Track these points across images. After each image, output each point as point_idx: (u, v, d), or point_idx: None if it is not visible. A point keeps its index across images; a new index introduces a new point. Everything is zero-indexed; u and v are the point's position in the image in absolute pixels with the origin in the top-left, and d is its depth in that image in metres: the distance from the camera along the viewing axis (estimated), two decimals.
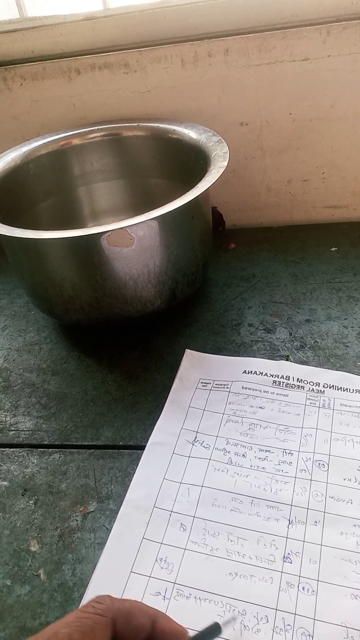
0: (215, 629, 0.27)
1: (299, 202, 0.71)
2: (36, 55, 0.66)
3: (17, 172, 0.60)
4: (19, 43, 0.66)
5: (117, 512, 0.40)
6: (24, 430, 0.49)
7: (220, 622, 0.28)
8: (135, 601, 0.27)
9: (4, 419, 0.50)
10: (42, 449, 0.47)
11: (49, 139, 0.63)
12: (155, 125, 0.63)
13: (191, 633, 0.28)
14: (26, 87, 0.66)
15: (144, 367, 0.53)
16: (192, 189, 0.48)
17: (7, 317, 0.63)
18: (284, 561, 0.36)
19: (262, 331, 0.55)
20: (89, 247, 0.47)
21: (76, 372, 0.54)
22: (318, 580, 0.34)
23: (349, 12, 0.59)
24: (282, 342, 0.53)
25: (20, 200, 0.60)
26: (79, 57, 0.64)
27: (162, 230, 0.49)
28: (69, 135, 0.64)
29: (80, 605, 0.32)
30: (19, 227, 0.47)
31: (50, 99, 0.67)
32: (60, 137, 0.63)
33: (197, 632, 0.29)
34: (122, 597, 0.33)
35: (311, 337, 0.53)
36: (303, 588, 0.34)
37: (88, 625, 0.24)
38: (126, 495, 0.41)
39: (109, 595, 0.26)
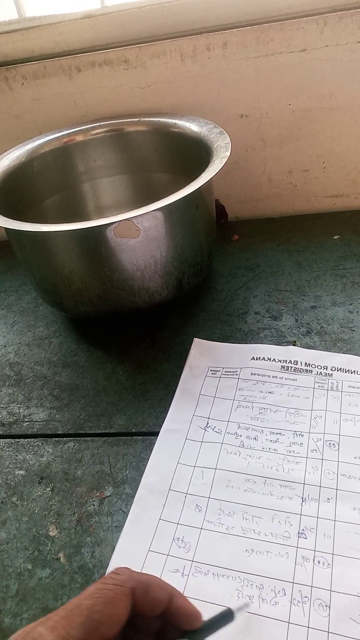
0: (228, 615, 0.27)
1: (300, 192, 0.72)
2: (36, 54, 0.67)
3: (22, 169, 0.60)
4: (19, 43, 0.67)
5: (132, 496, 0.41)
6: (37, 421, 0.50)
7: (233, 609, 0.27)
8: (154, 576, 0.27)
9: (17, 410, 0.51)
10: (56, 439, 0.48)
11: (53, 136, 0.64)
12: (157, 119, 0.63)
13: (209, 608, 0.28)
14: (27, 86, 0.67)
15: (153, 357, 0.54)
16: (196, 179, 0.48)
17: (16, 313, 0.64)
18: (299, 537, 0.36)
19: (269, 319, 0.56)
20: (96, 239, 0.48)
21: (86, 363, 0.55)
22: (333, 554, 0.35)
23: (344, 2, 0.59)
24: (288, 328, 0.54)
25: (25, 197, 0.61)
26: (78, 55, 0.65)
27: (167, 220, 0.49)
28: (72, 132, 0.65)
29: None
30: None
31: (52, 97, 0.67)
32: (64, 134, 0.64)
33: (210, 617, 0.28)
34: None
35: (317, 323, 0.54)
36: (318, 562, 0.35)
37: (109, 597, 0.24)
38: (142, 479, 0.42)
39: (128, 567, 0.27)
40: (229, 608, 0.27)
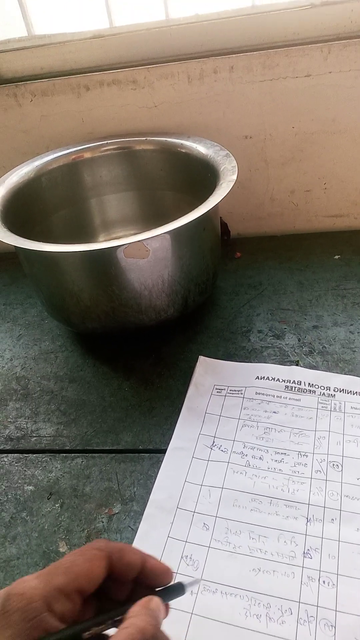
0: (179, 588, 0.30)
1: (301, 211, 0.73)
2: (45, 72, 0.68)
3: (30, 185, 0.61)
4: (29, 60, 0.68)
5: (140, 514, 0.42)
6: (45, 436, 0.50)
7: (184, 584, 0.30)
8: (127, 544, 0.31)
9: (25, 425, 0.52)
10: (64, 454, 0.49)
11: (61, 153, 0.65)
12: (164, 139, 0.65)
13: (218, 627, 0.30)
14: (36, 102, 0.68)
15: (159, 374, 0.55)
16: (204, 203, 0.50)
17: (22, 326, 0.65)
18: (304, 557, 0.38)
19: (272, 337, 0.57)
20: (106, 259, 0.49)
21: (93, 379, 0.56)
22: (338, 574, 0.36)
23: (348, 30, 0.61)
24: (291, 347, 0.55)
25: (33, 212, 0.62)
26: (88, 74, 0.66)
27: (175, 242, 0.51)
28: (81, 149, 0.66)
29: None
30: (33, 238, 0.49)
31: (60, 114, 0.69)
32: (72, 151, 0.65)
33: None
34: None
35: (319, 343, 0.55)
36: (324, 582, 0.36)
37: (87, 555, 0.28)
38: (150, 497, 0.43)
39: (104, 539, 0.31)
40: (181, 582, 0.30)
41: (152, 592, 0.28)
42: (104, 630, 0.26)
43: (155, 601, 0.27)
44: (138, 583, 0.29)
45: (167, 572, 0.30)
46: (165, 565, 0.30)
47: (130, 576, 0.29)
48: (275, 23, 0.62)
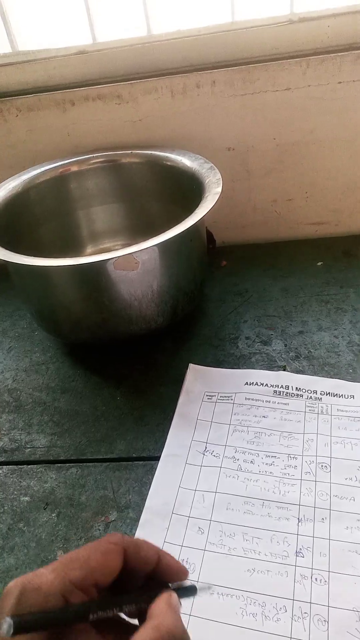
0: (192, 589, 0.30)
1: (284, 219, 0.75)
2: (31, 87, 0.69)
3: (18, 198, 0.62)
4: (14, 76, 0.69)
5: (136, 520, 0.43)
6: (39, 447, 0.51)
7: (197, 587, 0.31)
8: (144, 539, 0.30)
9: (19, 437, 0.52)
10: (59, 464, 0.49)
11: (48, 166, 0.66)
12: (149, 152, 0.66)
13: (215, 627, 0.31)
14: (22, 117, 0.69)
15: (150, 382, 0.56)
16: (191, 215, 0.51)
17: (12, 338, 0.66)
18: (296, 556, 0.39)
19: (259, 343, 0.59)
20: (96, 272, 0.50)
21: (84, 389, 0.57)
22: (329, 571, 0.38)
23: (325, 45, 0.64)
24: (278, 353, 0.57)
25: (22, 225, 0.63)
26: (73, 90, 0.67)
27: (164, 253, 0.52)
28: (67, 162, 0.67)
29: None
30: (22, 250, 0.50)
31: (45, 128, 0.70)
32: (59, 165, 0.66)
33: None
34: None
35: (305, 348, 0.57)
36: (316, 579, 0.37)
37: (103, 549, 0.27)
38: (145, 503, 0.44)
39: (120, 532, 0.30)
40: (194, 584, 0.30)
41: (166, 588, 0.28)
42: (109, 616, 0.26)
43: (174, 597, 0.27)
44: (151, 578, 0.29)
45: (182, 571, 0.30)
46: (181, 564, 0.30)
47: (145, 571, 0.29)
48: (254, 39, 0.64)
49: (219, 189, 0.54)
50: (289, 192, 0.73)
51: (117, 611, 0.27)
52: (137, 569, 0.28)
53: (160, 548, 0.30)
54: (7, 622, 0.22)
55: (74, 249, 0.71)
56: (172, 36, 0.66)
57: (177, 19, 0.66)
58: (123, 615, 0.28)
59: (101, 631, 0.26)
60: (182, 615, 0.35)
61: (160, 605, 0.27)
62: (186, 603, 0.37)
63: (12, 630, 0.22)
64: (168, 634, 0.25)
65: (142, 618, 0.27)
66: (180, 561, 0.39)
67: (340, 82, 0.63)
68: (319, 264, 0.70)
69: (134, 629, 0.25)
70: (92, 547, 0.28)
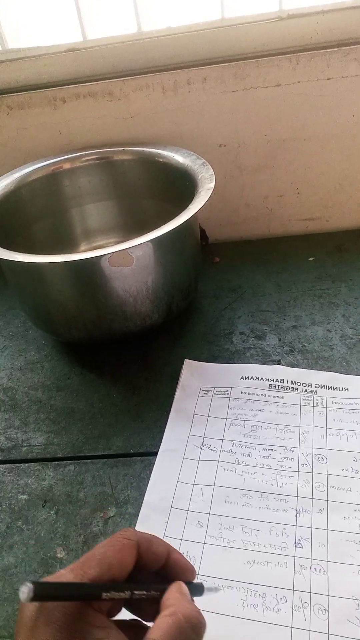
0: (200, 588, 0.31)
1: (275, 216, 0.76)
2: (21, 85, 0.69)
3: (11, 197, 0.62)
4: (4, 74, 0.68)
5: (135, 516, 0.43)
6: (36, 445, 0.51)
7: (205, 586, 0.32)
8: (155, 535, 0.31)
9: (15, 435, 0.52)
10: (56, 462, 0.49)
11: (40, 164, 0.66)
12: (141, 149, 0.66)
13: (217, 618, 0.31)
14: (13, 115, 0.69)
15: (145, 378, 0.56)
16: (185, 211, 0.51)
17: (6, 337, 0.65)
18: (295, 547, 0.39)
19: (253, 338, 0.59)
20: (91, 269, 0.50)
21: (80, 387, 0.57)
22: (328, 561, 0.38)
23: (314, 41, 0.64)
24: (272, 347, 0.57)
25: (15, 223, 0.63)
26: (64, 87, 0.67)
27: (158, 249, 0.52)
28: (60, 160, 0.67)
29: None
30: (15, 248, 0.50)
31: (37, 126, 0.69)
32: (51, 162, 0.66)
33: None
34: None
35: (299, 342, 0.57)
36: (315, 569, 0.38)
37: (118, 546, 0.28)
38: (144, 499, 0.44)
39: (132, 528, 0.31)
40: (202, 583, 0.31)
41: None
42: (122, 597, 0.27)
43: (184, 586, 0.28)
44: (160, 575, 0.30)
45: (190, 570, 0.31)
46: (190, 563, 0.31)
47: (156, 566, 0.30)
48: (244, 35, 0.64)
49: (212, 185, 0.54)
50: (281, 189, 0.73)
51: (130, 595, 0.27)
52: (149, 564, 0.29)
53: (170, 544, 0.30)
54: (28, 587, 0.23)
55: (68, 247, 0.71)
56: (162, 33, 0.66)
57: (167, 16, 0.66)
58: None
59: (120, 627, 0.27)
60: None
61: (172, 595, 0.28)
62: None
63: (32, 594, 0.23)
64: (185, 617, 0.26)
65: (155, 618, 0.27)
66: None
67: (329, 79, 0.63)
68: (311, 259, 0.70)
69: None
70: (107, 544, 0.28)
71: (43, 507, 0.46)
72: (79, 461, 0.49)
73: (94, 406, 0.54)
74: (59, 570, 0.27)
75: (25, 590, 0.23)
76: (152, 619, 0.28)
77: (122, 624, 0.28)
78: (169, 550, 0.30)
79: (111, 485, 0.46)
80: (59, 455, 0.50)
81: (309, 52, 0.63)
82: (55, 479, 0.48)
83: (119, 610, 0.29)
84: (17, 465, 0.50)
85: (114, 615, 0.29)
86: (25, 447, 0.51)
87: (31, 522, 0.44)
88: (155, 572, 0.30)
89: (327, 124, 0.67)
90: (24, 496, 0.47)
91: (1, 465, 0.50)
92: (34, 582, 0.23)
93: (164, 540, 0.31)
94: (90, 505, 0.45)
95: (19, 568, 0.41)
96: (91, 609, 0.26)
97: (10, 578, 0.41)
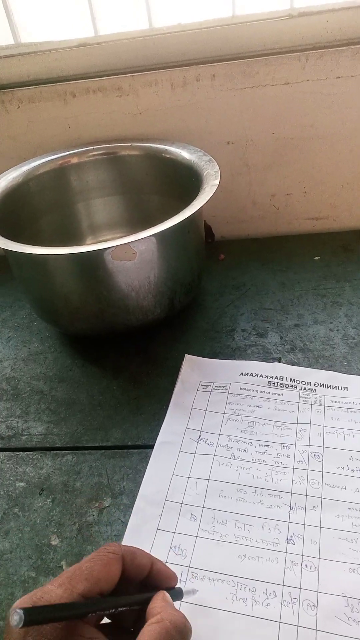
0: (179, 593, 0.33)
1: (282, 214, 0.76)
2: (32, 79, 0.70)
3: (18, 190, 0.63)
4: (16, 68, 0.69)
5: (130, 507, 0.43)
6: (36, 435, 0.52)
7: (183, 590, 0.34)
8: (138, 547, 0.32)
9: (16, 424, 0.53)
10: (55, 452, 0.50)
11: (48, 158, 0.66)
12: (149, 145, 0.67)
13: (205, 612, 0.32)
14: (23, 109, 0.69)
15: (146, 372, 0.57)
16: (189, 207, 0.51)
17: (11, 328, 0.66)
18: (287, 543, 0.39)
19: (255, 336, 0.59)
20: (94, 262, 0.51)
21: (82, 378, 0.57)
22: (319, 558, 0.38)
23: (324, 40, 0.64)
24: (274, 345, 0.57)
25: (22, 216, 0.63)
26: (74, 82, 0.67)
27: (161, 244, 0.52)
28: (68, 154, 0.67)
29: None
30: (22, 241, 0.50)
31: (46, 120, 0.70)
32: (59, 157, 0.67)
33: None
34: None
35: (300, 340, 0.57)
36: (306, 565, 0.38)
37: (104, 560, 0.30)
38: (139, 491, 0.44)
39: (116, 542, 0.33)
40: (181, 588, 0.34)
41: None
42: (110, 613, 0.28)
43: (168, 595, 0.30)
44: (144, 584, 0.32)
45: (172, 577, 0.33)
46: (171, 570, 0.33)
47: (140, 577, 0.31)
48: (255, 33, 0.64)
49: (217, 181, 0.54)
50: (288, 187, 0.73)
51: (116, 610, 0.29)
52: (133, 575, 0.31)
53: (153, 555, 0.32)
54: (18, 614, 0.24)
55: (74, 241, 0.71)
56: (173, 29, 0.66)
57: (179, 12, 0.66)
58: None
59: (106, 633, 0.28)
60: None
61: (158, 603, 0.29)
62: None
63: (22, 622, 0.24)
64: (171, 623, 0.27)
65: (139, 626, 0.28)
66: (173, 547, 0.40)
67: (338, 77, 0.63)
68: (316, 258, 0.70)
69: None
70: (93, 558, 0.30)
71: (40, 495, 0.46)
72: (77, 451, 0.49)
73: (94, 398, 0.55)
74: (46, 585, 0.28)
75: (16, 618, 0.24)
76: (131, 624, 0.30)
77: (108, 628, 0.30)
78: (152, 561, 0.32)
79: (107, 476, 0.47)
80: (57, 445, 0.50)
81: (318, 51, 0.63)
82: (53, 468, 0.48)
83: (102, 618, 0.30)
84: (17, 453, 0.50)
85: (100, 622, 0.30)
86: (25, 436, 0.52)
87: (28, 510, 0.45)
88: (140, 582, 0.31)
89: (336, 122, 0.67)
90: (22, 484, 0.47)
91: (1, 453, 0.50)
92: (24, 609, 0.24)
93: (146, 552, 0.32)
94: (86, 495, 0.45)
95: (13, 553, 0.42)
96: (80, 621, 0.27)
97: (5, 563, 0.42)
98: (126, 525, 0.42)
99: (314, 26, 0.63)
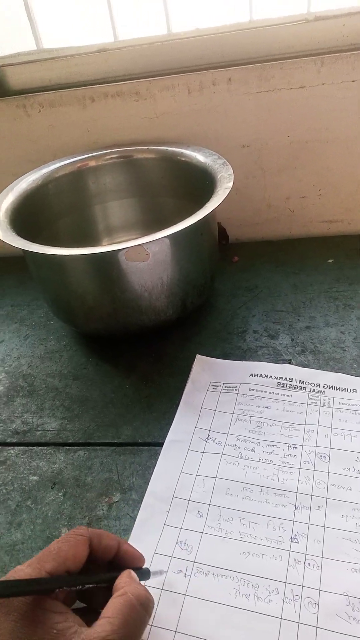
0: (146, 572, 0.36)
1: (297, 217, 0.76)
2: (53, 84, 0.72)
3: (38, 192, 0.64)
4: (37, 73, 0.71)
5: (138, 502, 0.45)
6: (50, 430, 0.53)
7: (150, 570, 0.36)
8: (104, 530, 0.35)
9: (31, 420, 0.55)
10: (67, 447, 0.51)
11: (67, 161, 0.68)
12: (164, 148, 0.68)
13: (209, 606, 0.34)
14: (44, 113, 0.71)
15: (158, 372, 0.58)
16: (201, 209, 0.52)
17: (28, 327, 0.68)
18: (291, 541, 0.40)
19: (266, 337, 0.60)
20: (108, 262, 0.52)
21: (95, 377, 0.59)
22: (322, 557, 0.39)
23: (340, 44, 0.64)
24: (284, 347, 0.58)
25: (40, 218, 0.65)
26: (92, 86, 0.69)
27: (174, 246, 0.53)
28: (85, 157, 0.69)
29: None
30: (40, 242, 0.52)
31: (66, 124, 0.72)
32: (77, 160, 0.68)
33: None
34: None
35: (311, 343, 0.58)
36: (309, 564, 0.38)
37: (72, 541, 0.32)
38: (148, 487, 0.45)
39: (84, 526, 0.36)
40: (148, 568, 0.36)
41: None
42: (74, 589, 0.31)
43: (133, 572, 0.32)
44: (113, 565, 0.34)
45: (140, 558, 0.35)
46: (138, 552, 0.35)
47: (108, 558, 0.33)
48: (271, 37, 0.65)
49: (230, 184, 0.55)
50: (303, 190, 0.73)
51: (83, 586, 0.31)
52: (101, 556, 0.33)
53: (120, 537, 0.35)
54: None
55: (91, 243, 0.73)
56: (190, 35, 0.67)
57: (196, 17, 0.67)
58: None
59: (76, 613, 0.30)
60: (177, 594, 0.38)
61: (123, 579, 0.31)
62: (181, 584, 0.38)
63: None
64: (134, 596, 0.29)
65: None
66: (179, 543, 0.41)
67: (354, 81, 0.63)
68: (330, 261, 0.70)
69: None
70: (62, 540, 0.32)
71: (52, 488, 0.48)
72: (89, 447, 0.51)
73: (107, 396, 0.56)
74: (17, 566, 0.30)
75: None
76: (102, 606, 0.31)
77: (78, 610, 0.32)
78: (119, 542, 0.34)
79: (118, 472, 0.48)
80: (70, 441, 0.52)
81: (334, 55, 0.63)
82: (66, 463, 0.50)
83: (74, 602, 0.33)
84: (31, 448, 0.52)
85: (70, 606, 0.32)
86: (40, 432, 0.53)
87: (40, 502, 0.47)
88: (109, 563, 0.34)
89: (351, 126, 0.67)
90: (35, 477, 0.49)
91: (15, 447, 0.52)
92: None
93: (113, 534, 0.35)
94: (97, 489, 0.47)
95: (25, 544, 0.43)
96: (48, 597, 0.29)
97: (17, 553, 0.43)
98: (134, 520, 0.43)
99: (331, 30, 0.63)
